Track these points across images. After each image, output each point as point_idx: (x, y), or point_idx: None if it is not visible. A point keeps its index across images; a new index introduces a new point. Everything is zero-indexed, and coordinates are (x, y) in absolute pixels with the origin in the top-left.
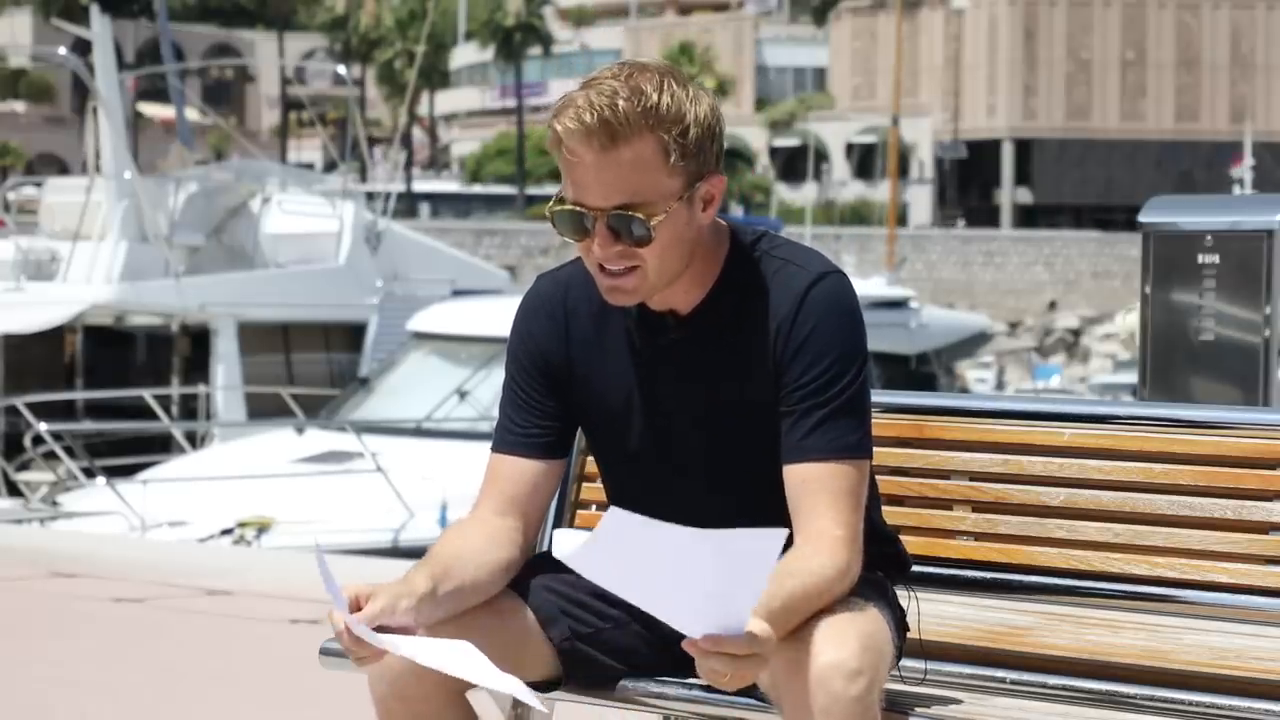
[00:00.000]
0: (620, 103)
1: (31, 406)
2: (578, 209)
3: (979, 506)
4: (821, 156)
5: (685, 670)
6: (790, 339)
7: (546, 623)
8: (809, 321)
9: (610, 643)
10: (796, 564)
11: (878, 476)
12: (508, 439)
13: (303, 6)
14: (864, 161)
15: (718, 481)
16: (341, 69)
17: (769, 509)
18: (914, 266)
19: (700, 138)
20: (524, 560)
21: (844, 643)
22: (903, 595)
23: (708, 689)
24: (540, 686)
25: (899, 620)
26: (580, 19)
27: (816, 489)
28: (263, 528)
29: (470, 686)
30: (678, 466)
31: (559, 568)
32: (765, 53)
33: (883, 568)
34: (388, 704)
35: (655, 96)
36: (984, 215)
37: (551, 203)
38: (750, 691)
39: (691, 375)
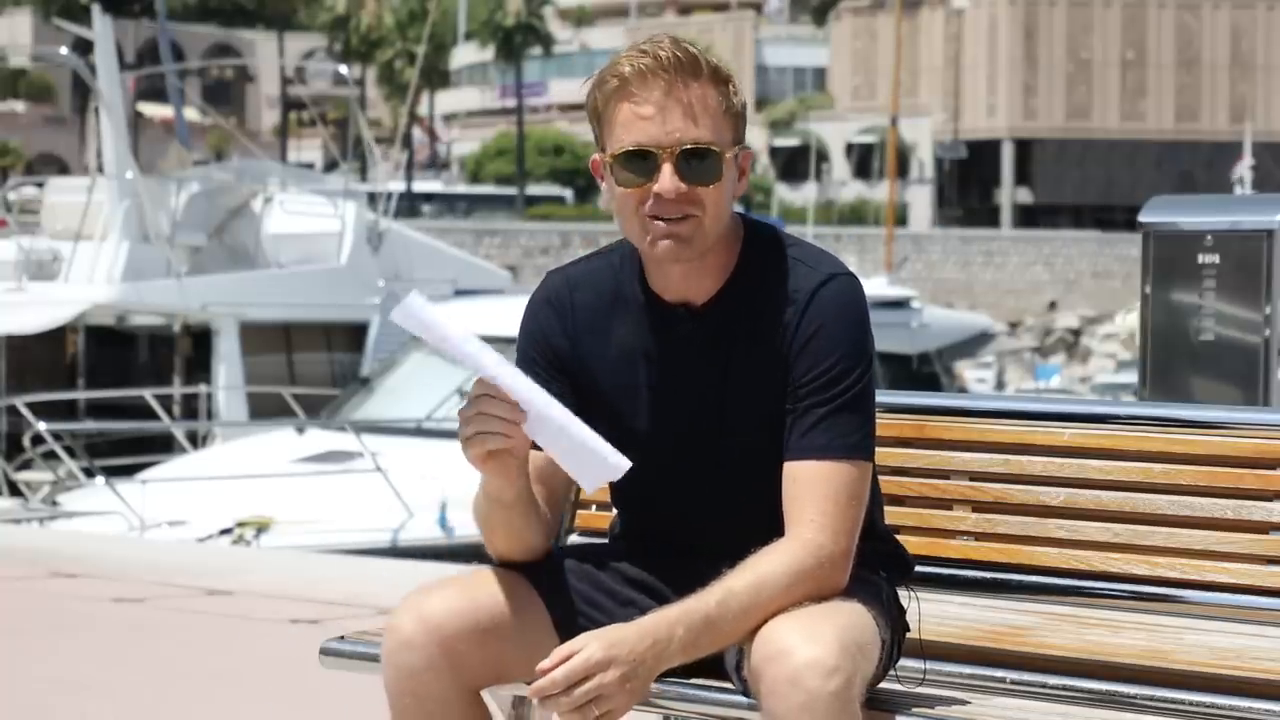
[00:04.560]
0: (690, 49)
1: (33, 406)
2: (645, 149)
3: (979, 506)
4: (821, 156)
5: (687, 671)
6: (797, 337)
7: (559, 622)
8: (816, 320)
9: None
10: (748, 564)
11: (879, 476)
12: None
13: (303, 6)
14: (864, 161)
15: (724, 474)
16: (343, 69)
17: (774, 503)
18: (914, 266)
19: (743, 104)
20: (551, 537)
21: (821, 640)
22: (903, 595)
23: (707, 689)
24: None
25: (896, 620)
26: (580, 19)
27: (805, 488)
28: (261, 528)
29: (486, 685)
30: (685, 459)
31: (570, 561)
32: (765, 53)
33: (885, 568)
34: (403, 701)
35: (711, 58)
36: (984, 215)
37: (608, 153)
38: (747, 691)
39: (703, 368)
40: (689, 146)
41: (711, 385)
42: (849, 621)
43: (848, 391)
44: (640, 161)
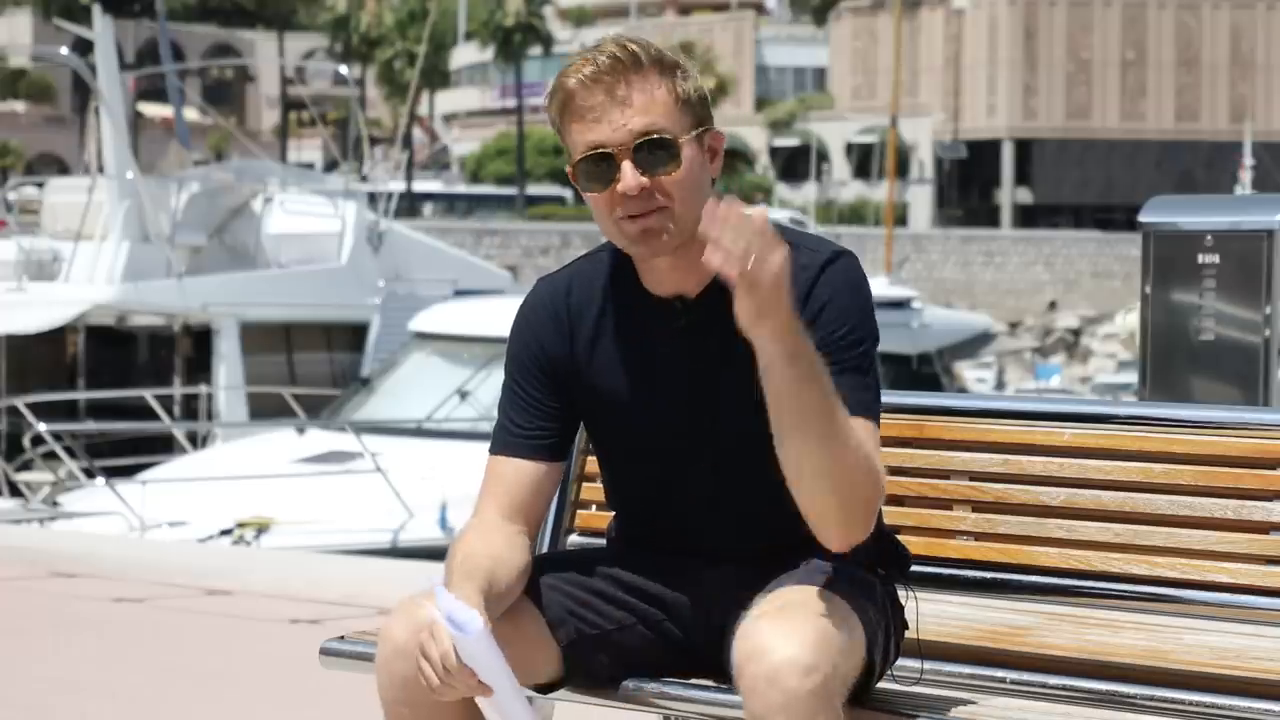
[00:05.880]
0: (629, 46)
1: (33, 407)
2: (602, 150)
3: (979, 506)
4: (821, 156)
5: (687, 671)
6: (805, 310)
7: (554, 624)
8: (825, 294)
9: (615, 644)
10: None
11: None
12: (509, 441)
13: (303, 6)
14: (864, 161)
15: (729, 466)
16: (343, 69)
17: (779, 494)
18: (914, 266)
19: (697, 88)
20: (531, 547)
21: (798, 639)
22: (902, 594)
23: (707, 689)
24: (547, 688)
25: (893, 619)
26: (580, 19)
27: None
28: (262, 528)
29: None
30: (689, 453)
31: (564, 567)
32: (765, 53)
33: (884, 566)
34: (397, 710)
35: (653, 49)
36: (984, 215)
37: (569, 165)
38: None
39: (703, 359)
40: (641, 139)
41: (713, 374)
42: (831, 622)
43: (859, 358)
44: (599, 165)
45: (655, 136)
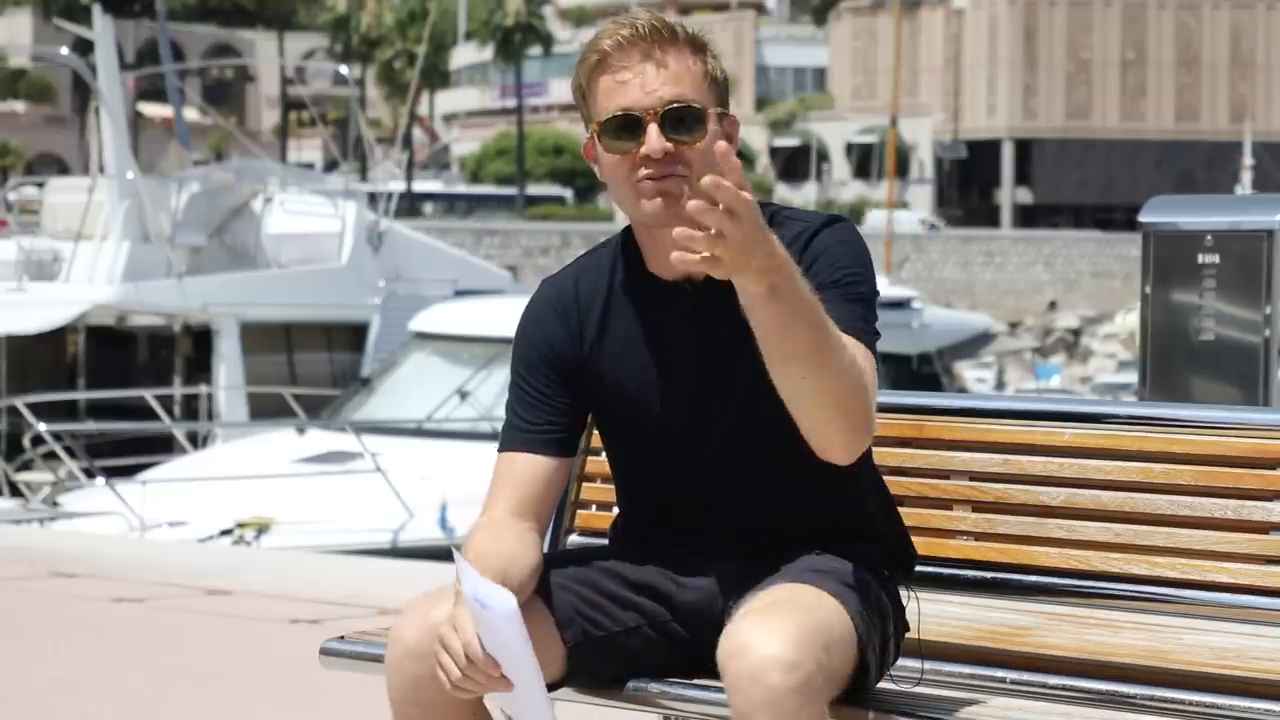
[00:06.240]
0: (667, 19)
1: (33, 407)
2: (630, 113)
3: (979, 506)
4: (821, 156)
5: (691, 671)
6: (801, 262)
7: (562, 624)
8: (820, 248)
9: (620, 646)
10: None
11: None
12: (519, 437)
13: (303, 6)
14: (864, 161)
15: (738, 450)
16: (343, 69)
17: (794, 468)
18: (914, 266)
19: (723, 71)
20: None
21: (780, 636)
22: (903, 595)
23: (707, 688)
24: (549, 687)
25: (893, 619)
26: (580, 19)
27: None
28: (262, 528)
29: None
30: (697, 436)
31: (572, 565)
32: (765, 52)
33: (889, 567)
34: (406, 710)
35: (687, 26)
36: (984, 215)
37: (595, 124)
38: None
39: (712, 341)
40: (671, 105)
41: (721, 355)
42: (816, 620)
43: (862, 295)
44: (626, 127)
45: (684, 105)
